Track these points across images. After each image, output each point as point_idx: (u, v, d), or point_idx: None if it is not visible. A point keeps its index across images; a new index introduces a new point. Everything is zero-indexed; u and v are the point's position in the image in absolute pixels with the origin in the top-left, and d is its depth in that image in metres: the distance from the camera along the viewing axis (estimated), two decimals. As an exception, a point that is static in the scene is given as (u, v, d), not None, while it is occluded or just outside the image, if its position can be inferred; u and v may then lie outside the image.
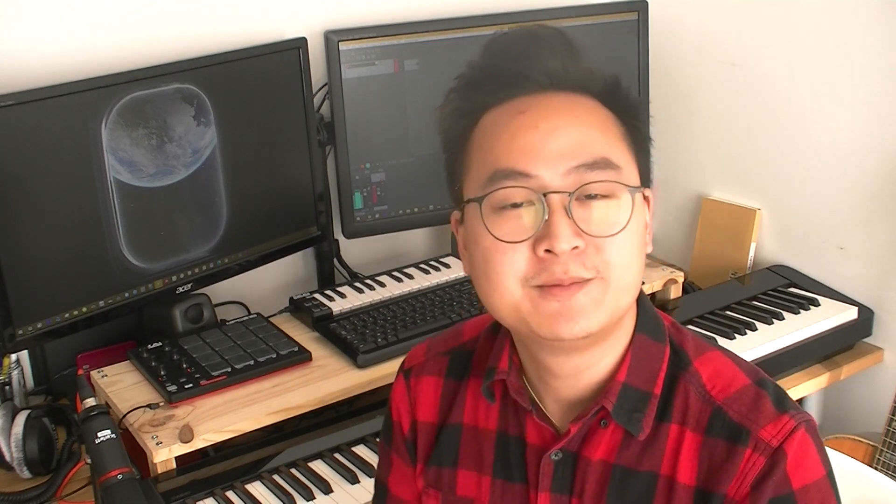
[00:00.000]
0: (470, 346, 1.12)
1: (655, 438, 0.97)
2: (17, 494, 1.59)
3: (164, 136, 1.72)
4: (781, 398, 0.96)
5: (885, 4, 1.89)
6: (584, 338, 0.93)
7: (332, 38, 1.94)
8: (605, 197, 0.92)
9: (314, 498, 1.51)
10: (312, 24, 1.99)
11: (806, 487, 0.93)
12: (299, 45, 1.90)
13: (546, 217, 0.90)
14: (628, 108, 0.98)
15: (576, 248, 0.90)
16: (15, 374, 1.76)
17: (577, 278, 0.91)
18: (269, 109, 1.87)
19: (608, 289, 0.92)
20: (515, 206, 0.92)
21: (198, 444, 1.55)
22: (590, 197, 0.91)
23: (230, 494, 1.52)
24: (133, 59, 1.73)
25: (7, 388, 1.75)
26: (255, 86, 1.84)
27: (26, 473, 1.63)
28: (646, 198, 0.98)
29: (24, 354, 1.81)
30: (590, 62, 0.97)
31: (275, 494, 1.52)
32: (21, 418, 1.63)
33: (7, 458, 1.62)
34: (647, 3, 2.14)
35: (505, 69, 0.96)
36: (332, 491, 1.52)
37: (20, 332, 1.59)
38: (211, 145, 1.79)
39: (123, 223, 1.68)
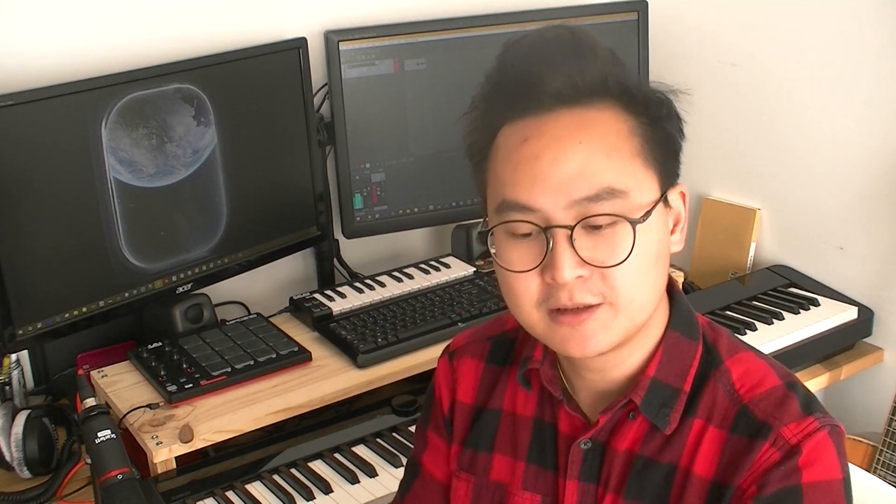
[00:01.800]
0: (512, 335, 1.14)
1: (679, 432, 0.99)
2: (17, 494, 1.59)
3: (164, 136, 1.72)
4: (810, 402, 0.97)
5: (885, 4, 1.89)
6: (596, 356, 0.96)
7: (332, 38, 1.94)
8: (610, 225, 0.92)
9: (314, 498, 1.51)
10: (312, 24, 1.99)
11: (815, 484, 0.92)
12: (299, 45, 1.90)
13: (550, 248, 0.91)
14: (647, 107, 0.96)
15: (580, 276, 0.92)
16: (15, 374, 1.76)
17: (581, 304, 0.93)
18: (269, 109, 1.87)
19: (617, 313, 0.94)
20: (524, 235, 0.94)
21: (198, 444, 1.55)
22: (594, 227, 0.92)
23: (230, 494, 1.52)
24: (133, 59, 1.73)
25: (7, 388, 1.75)
26: (255, 86, 1.84)
27: (26, 473, 1.62)
28: (668, 202, 0.97)
29: (24, 354, 1.81)
30: (604, 65, 0.95)
31: (275, 494, 1.52)
32: (21, 418, 1.63)
33: (7, 458, 1.62)
34: (647, 3, 2.14)
35: (515, 87, 0.95)
36: (332, 491, 1.52)
37: (20, 332, 1.59)
38: (211, 145, 1.79)
39: (123, 223, 1.68)
